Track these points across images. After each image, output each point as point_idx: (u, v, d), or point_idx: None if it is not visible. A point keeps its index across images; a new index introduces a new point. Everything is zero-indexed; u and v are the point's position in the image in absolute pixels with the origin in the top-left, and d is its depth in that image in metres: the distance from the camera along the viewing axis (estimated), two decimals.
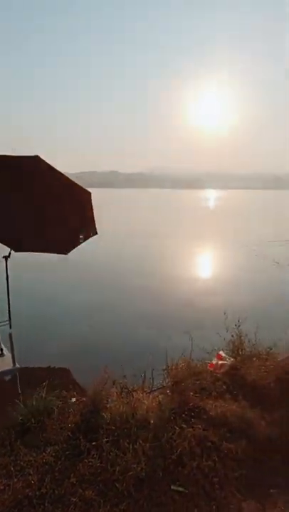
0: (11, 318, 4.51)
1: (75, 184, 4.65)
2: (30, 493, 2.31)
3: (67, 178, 4.59)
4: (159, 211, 42.57)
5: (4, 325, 4.46)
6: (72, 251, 5.44)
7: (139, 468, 2.47)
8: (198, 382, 3.70)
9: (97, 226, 5.19)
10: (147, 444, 2.65)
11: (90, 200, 4.79)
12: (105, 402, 3.19)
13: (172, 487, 2.44)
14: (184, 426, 2.89)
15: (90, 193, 4.78)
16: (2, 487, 2.38)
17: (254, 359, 4.17)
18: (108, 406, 3.13)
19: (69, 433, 2.85)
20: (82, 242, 5.15)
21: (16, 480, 2.42)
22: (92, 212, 4.89)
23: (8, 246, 4.93)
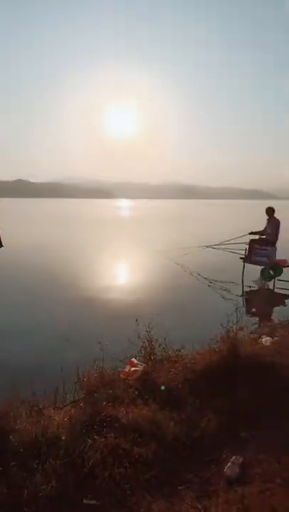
0: None
1: None
2: None
3: None
4: (71, 221, 42.04)
5: None
6: None
7: (50, 488, 2.40)
8: (110, 391, 3.73)
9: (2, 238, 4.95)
10: (58, 462, 2.59)
11: None
12: (13, 423, 3.03)
13: (84, 501, 2.42)
14: (96, 437, 2.89)
15: None
16: None
17: (164, 362, 4.35)
18: (17, 428, 2.99)
19: None
20: None
21: None
22: None
23: None
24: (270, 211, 10.80)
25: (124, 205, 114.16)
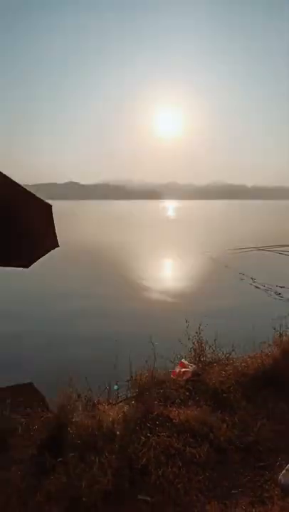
0: None
1: (36, 197, 4.65)
2: None
3: (27, 191, 4.58)
4: (125, 222, 42.70)
5: None
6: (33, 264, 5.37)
7: (106, 481, 2.49)
8: (161, 390, 3.79)
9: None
10: (113, 456, 2.68)
11: (51, 212, 4.79)
12: (70, 416, 3.17)
13: (139, 496, 2.48)
14: (149, 435, 2.95)
15: (50, 206, 4.78)
16: None
17: (214, 365, 4.32)
18: (74, 420, 3.12)
19: (34, 450, 2.81)
20: (43, 255, 5.13)
21: None
22: (53, 225, 4.89)
23: None
24: None
25: (171, 206, 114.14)
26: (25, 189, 4.54)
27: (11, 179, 4.29)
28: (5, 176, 4.21)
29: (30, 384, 4.83)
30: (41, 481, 2.54)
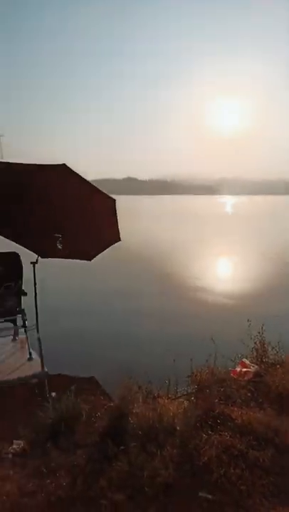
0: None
1: (100, 191, 4.76)
2: (62, 495, 2.38)
3: (93, 186, 4.70)
4: (184, 217, 42.59)
5: (32, 329, 4.58)
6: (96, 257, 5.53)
7: (167, 474, 2.50)
8: (222, 389, 3.70)
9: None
10: (174, 450, 2.68)
11: (115, 207, 4.88)
12: (131, 407, 3.22)
13: (200, 493, 2.46)
14: (211, 433, 2.90)
15: (114, 200, 4.87)
16: (35, 488, 2.46)
17: (278, 367, 4.15)
18: (134, 411, 3.17)
19: (97, 437, 2.90)
20: (106, 249, 5.25)
21: (48, 481, 2.50)
22: (116, 219, 4.98)
23: (36, 252, 5.06)
24: None
25: (228, 202, 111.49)
26: (92, 184, 4.67)
27: (78, 174, 4.43)
28: (72, 171, 4.35)
29: (92, 378, 4.98)
30: (104, 467, 2.61)
